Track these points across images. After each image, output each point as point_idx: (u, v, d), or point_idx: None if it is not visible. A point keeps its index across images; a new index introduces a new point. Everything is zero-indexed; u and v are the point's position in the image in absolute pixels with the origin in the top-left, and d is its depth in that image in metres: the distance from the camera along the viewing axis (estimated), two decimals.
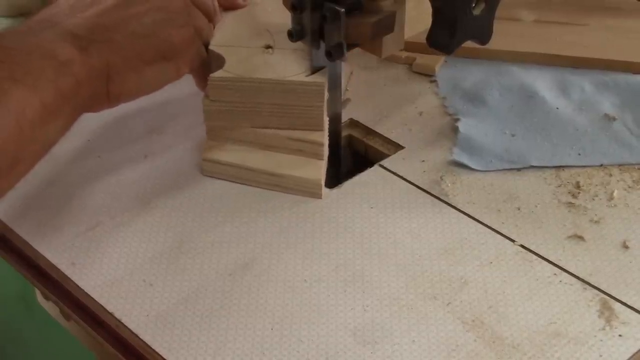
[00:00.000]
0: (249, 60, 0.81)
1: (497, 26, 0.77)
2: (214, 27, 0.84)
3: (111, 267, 0.73)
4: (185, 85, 0.82)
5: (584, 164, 0.82)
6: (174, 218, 0.78)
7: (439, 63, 0.95)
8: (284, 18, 0.78)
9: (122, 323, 0.69)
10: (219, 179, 0.82)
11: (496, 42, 0.79)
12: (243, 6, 0.89)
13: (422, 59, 0.95)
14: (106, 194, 0.81)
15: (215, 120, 0.81)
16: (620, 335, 0.67)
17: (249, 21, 0.87)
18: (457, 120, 0.87)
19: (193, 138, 0.87)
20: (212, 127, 0.82)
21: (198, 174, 0.83)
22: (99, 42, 0.71)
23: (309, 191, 0.80)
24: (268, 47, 0.83)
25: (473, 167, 0.82)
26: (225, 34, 0.84)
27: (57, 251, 0.75)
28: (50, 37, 0.69)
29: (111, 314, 0.70)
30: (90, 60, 0.70)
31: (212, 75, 0.80)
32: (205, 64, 0.81)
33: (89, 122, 0.88)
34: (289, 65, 0.80)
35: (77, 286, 0.72)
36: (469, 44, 0.76)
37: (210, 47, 0.82)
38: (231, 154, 0.82)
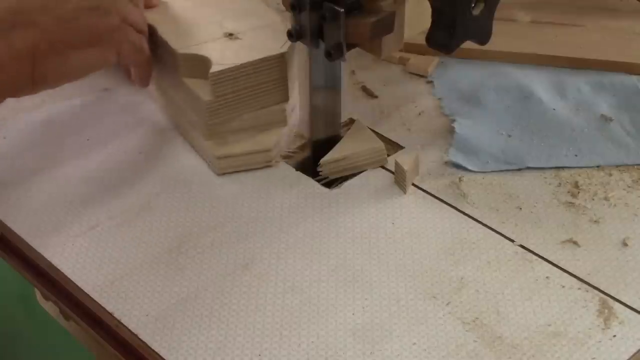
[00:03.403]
0: (228, 50, 0.82)
1: (494, 27, 0.77)
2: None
3: (111, 267, 0.73)
4: None
5: (580, 165, 0.82)
6: (174, 218, 0.78)
7: (432, 64, 0.95)
8: (200, 6, 0.82)
9: (121, 323, 0.69)
10: (233, 173, 0.82)
11: (493, 43, 0.78)
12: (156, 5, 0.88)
13: (415, 60, 0.95)
14: (106, 194, 0.80)
15: (218, 116, 0.81)
16: (619, 335, 0.67)
17: (181, 19, 0.87)
18: (453, 121, 0.87)
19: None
20: (213, 125, 0.82)
21: (197, 173, 0.82)
22: (23, 24, 0.71)
23: None
24: (230, 34, 0.83)
25: (469, 167, 0.82)
26: (181, 36, 0.84)
27: (56, 251, 0.75)
28: None
29: (111, 314, 0.70)
30: (13, 42, 0.70)
31: (211, 71, 0.79)
32: (145, 57, 0.82)
33: (89, 121, 0.88)
34: (268, 42, 0.82)
35: (77, 286, 0.72)
36: (466, 44, 0.76)
37: (181, 52, 0.82)
38: (243, 144, 0.82)
